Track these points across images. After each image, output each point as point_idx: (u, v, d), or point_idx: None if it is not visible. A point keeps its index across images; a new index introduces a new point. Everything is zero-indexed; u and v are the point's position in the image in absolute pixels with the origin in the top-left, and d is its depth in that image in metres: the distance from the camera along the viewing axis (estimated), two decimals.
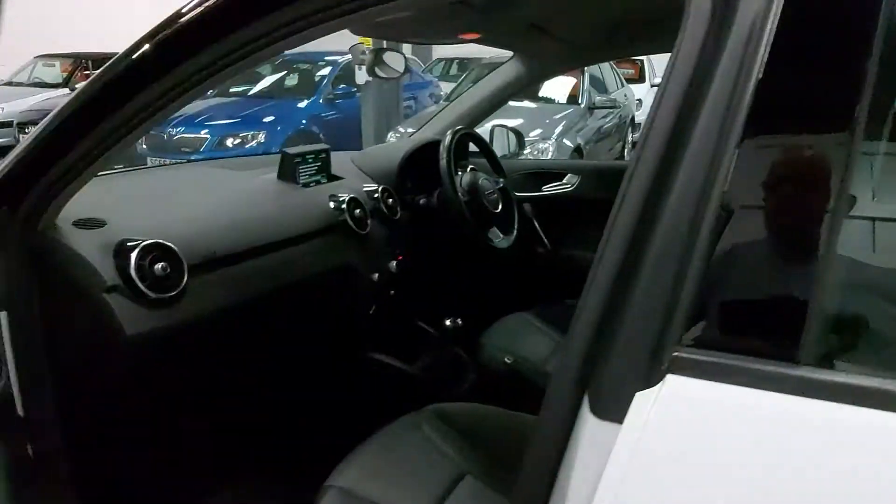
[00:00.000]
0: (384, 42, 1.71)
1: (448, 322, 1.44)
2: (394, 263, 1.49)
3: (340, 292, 1.37)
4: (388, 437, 1.12)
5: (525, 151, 3.27)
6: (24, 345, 0.91)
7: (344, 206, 1.36)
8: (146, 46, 0.77)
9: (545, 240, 1.94)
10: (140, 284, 0.93)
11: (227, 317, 1.09)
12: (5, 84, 8.57)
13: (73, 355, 0.95)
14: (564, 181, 1.96)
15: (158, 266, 0.95)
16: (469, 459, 1.08)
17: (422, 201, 1.64)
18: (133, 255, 0.93)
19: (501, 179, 1.81)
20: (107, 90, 0.80)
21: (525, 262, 1.96)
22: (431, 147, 1.75)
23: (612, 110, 6.61)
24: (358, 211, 1.39)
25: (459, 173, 1.63)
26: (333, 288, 1.35)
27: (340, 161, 1.59)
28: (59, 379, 0.95)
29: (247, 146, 5.66)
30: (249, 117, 5.81)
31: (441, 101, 6.99)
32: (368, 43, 5.60)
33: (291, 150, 1.41)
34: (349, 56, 6.57)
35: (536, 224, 1.93)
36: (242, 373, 1.22)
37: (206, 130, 5.53)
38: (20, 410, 0.93)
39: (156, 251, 0.96)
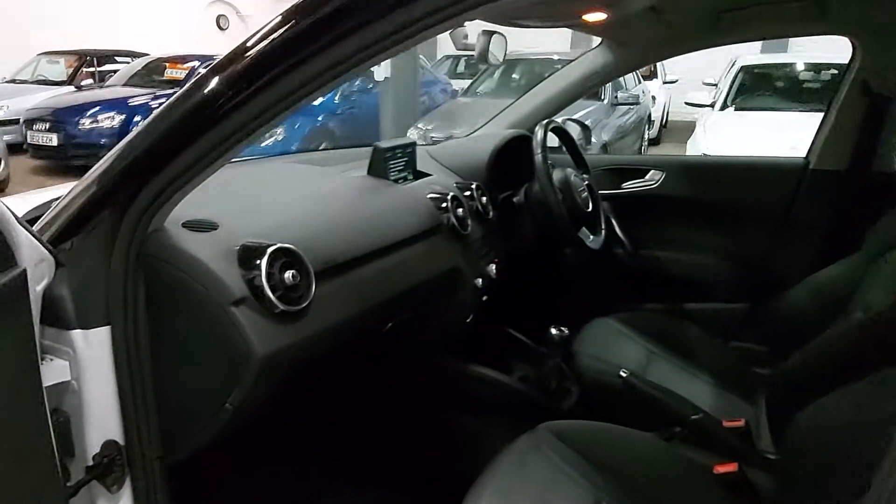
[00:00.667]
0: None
1: (554, 331, 1.32)
2: (492, 267, 1.37)
3: (447, 299, 1.25)
4: (513, 461, 1.03)
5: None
6: (129, 365, 0.79)
7: (446, 204, 1.24)
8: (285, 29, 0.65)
9: (625, 240, 1.82)
10: (271, 295, 0.80)
11: (346, 330, 0.96)
12: (8, 82, 8.41)
13: (190, 378, 0.83)
14: (647, 178, 1.84)
15: (288, 274, 0.82)
16: (597, 485, 1.00)
17: (515, 199, 1.52)
18: (262, 262, 0.80)
19: (586, 176, 1.69)
20: (231, 83, 0.69)
21: (605, 263, 1.85)
22: (514, 141, 1.63)
23: (631, 107, 6.52)
24: (460, 210, 1.27)
25: None
26: (441, 294, 1.23)
27: (418, 156, 1.47)
28: (170, 405, 0.83)
29: (263, 144, 5.53)
30: None
31: (459, 98, 6.89)
32: None
33: (383, 144, 1.29)
34: None
35: (615, 224, 1.81)
36: (352, 389, 1.10)
37: None
38: (121, 440, 0.81)
39: (283, 257, 0.83)
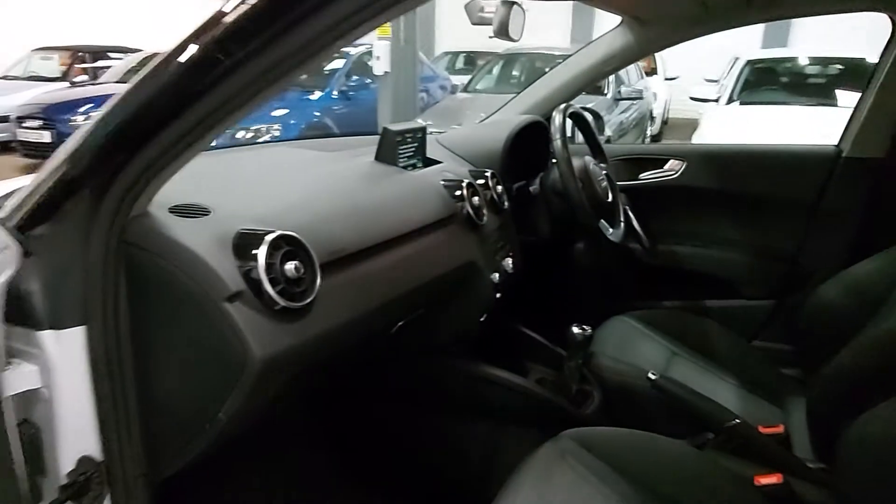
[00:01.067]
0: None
1: (576, 330, 1.22)
2: (509, 261, 1.27)
3: (462, 296, 1.15)
4: (537, 473, 0.95)
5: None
6: (108, 370, 0.69)
7: (461, 192, 1.14)
8: None
9: (642, 234, 1.72)
10: (271, 290, 0.70)
11: (354, 330, 0.86)
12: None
13: (178, 384, 0.73)
14: (667, 168, 1.74)
15: (290, 266, 0.72)
16: (629, 497, 0.91)
17: (532, 188, 1.42)
18: (261, 252, 0.70)
19: (604, 165, 1.59)
20: (222, 46, 0.60)
21: (622, 258, 1.75)
22: (528, 128, 1.53)
23: (633, 103, 6.44)
24: (476, 199, 1.16)
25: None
26: (456, 291, 1.13)
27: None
28: (155, 416, 0.73)
29: (259, 140, 5.43)
30: (261, 110, 5.56)
31: (458, 94, 6.80)
32: (384, 29, 5.43)
33: (393, 127, 1.18)
34: (361, 48, 6.43)
35: (633, 216, 1.71)
36: (356, 394, 1.00)
37: None
38: (99, 455, 0.71)
39: (284, 246, 0.73)
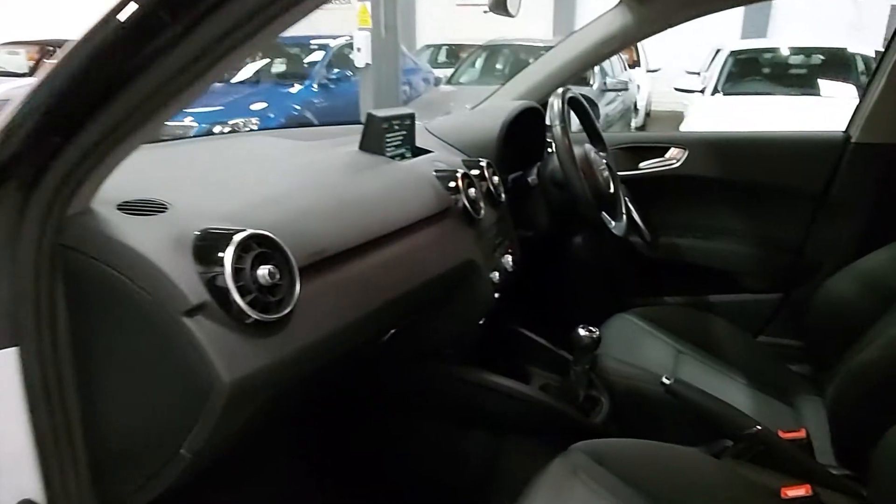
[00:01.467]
0: None
1: (582, 332, 1.13)
2: (508, 258, 1.17)
3: (461, 298, 1.05)
4: (550, 491, 0.88)
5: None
6: (47, 399, 0.58)
7: (455, 183, 1.04)
8: None
9: (643, 227, 1.64)
10: (240, 300, 0.59)
11: (339, 342, 0.76)
12: None
13: (132, 415, 0.62)
14: (667, 157, 1.66)
15: (263, 271, 0.61)
16: None
17: (530, 178, 1.32)
18: (228, 255, 0.59)
19: (604, 153, 1.50)
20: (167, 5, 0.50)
21: (622, 253, 1.67)
22: (523, 114, 1.43)
23: (618, 95, 6.42)
24: (472, 190, 1.06)
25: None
26: (454, 293, 1.02)
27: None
28: (106, 451, 0.62)
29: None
30: (238, 104, 5.41)
31: (442, 86, 6.69)
32: (365, 20, 5.31)
33: (379, 113, 1.07)
34: (341, 40, 6.31)
35: (633, 208, 1.62)
36: (342, 409, 0.90)
37: (192, 118, 5.08)
38: (41, 499, 0.61)
39: (256, 248, 0.62)
